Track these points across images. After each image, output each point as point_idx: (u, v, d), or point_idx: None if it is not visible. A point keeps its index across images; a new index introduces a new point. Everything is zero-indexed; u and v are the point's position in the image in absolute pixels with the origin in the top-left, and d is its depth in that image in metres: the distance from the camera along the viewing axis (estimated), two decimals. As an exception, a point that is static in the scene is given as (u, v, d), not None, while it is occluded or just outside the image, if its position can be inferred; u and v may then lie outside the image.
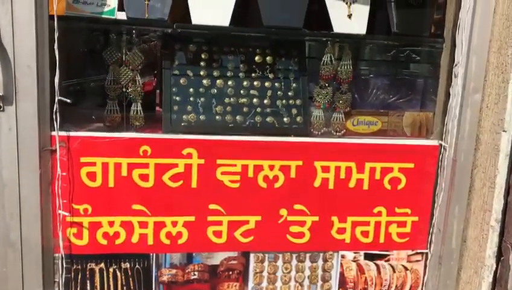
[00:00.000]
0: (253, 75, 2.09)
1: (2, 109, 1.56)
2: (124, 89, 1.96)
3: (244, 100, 2.07)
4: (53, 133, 1.64)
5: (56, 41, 1.55)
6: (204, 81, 2.05)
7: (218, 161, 1.84)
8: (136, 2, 1.90)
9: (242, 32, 1.99)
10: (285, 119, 2.09)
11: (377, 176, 1.94)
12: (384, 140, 1.93)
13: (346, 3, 2.03)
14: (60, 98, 1.58)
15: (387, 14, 2.08)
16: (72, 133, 1.68)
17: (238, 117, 2.05)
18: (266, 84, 2.10)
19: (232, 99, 2.06)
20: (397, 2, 2.04)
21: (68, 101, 1.60)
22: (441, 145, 1.94)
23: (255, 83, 2.09)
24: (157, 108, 2.17)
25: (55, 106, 1.59)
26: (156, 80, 2.36)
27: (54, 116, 1.61)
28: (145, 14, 1.88)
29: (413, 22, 2.04)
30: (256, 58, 2.09)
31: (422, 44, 2.13)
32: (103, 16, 1.83)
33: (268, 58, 2.11)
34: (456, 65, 1.82)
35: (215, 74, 2.06)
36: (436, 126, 1.96)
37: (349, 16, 2.01)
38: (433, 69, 2.30)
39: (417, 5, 2.03)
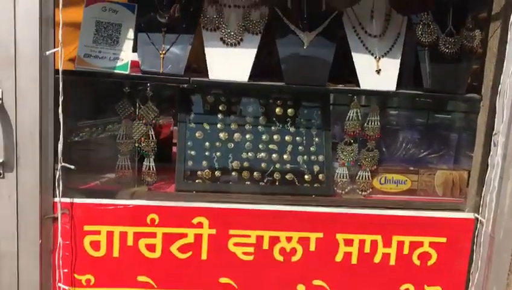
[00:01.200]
0: (272, 128, 1.97)
1: (2, 176, 1.47)
2: (136, 144, 1.86)
3: (262, 155, 1.95)
4: (55, 199, 1.54)
5: (60, 106, 1.45)
6: (221, 135, 1.94)
7: (231, 231, 1.71)
8: (151, 56, 1.80)
9: (262, 87, 1.86)
10: (306, 176, 1.95)
11: (405, 250, 1.77)
12: (414, 212, 1.75)
13: (375, 57, 1.87)
14: (63, 164, 1.49)
15: (419, 66, 1.91)
16: (76, 200, 1.59)
17: (255, 173, 1.92)
18: (287, 138, 1.97)
19: (249, 154, 1.94)
20: (430, 55, 1.87)
21: (72, 167, 1.51)
22: (477, 219, 1.76)
23: (275, 136, 1.96)
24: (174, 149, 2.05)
25: (58, 173, 1.50)
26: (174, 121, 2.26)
27: (57, 183, 1.51)
28: (161, 68, 1.78)
29: (447, 78, 1.88)
30: (277, 110, 1.97)
31: (457, 100, 1.95)
32: (116, 70, 1.73)
33: (289, 110, 1.98)
34: (495, 134, 1.63)
35: (233, 126, 1.94)
36: (471, 197, 1.78)
37: (378, 72, 1.86)
38: (469, 123, 2.12)
39: (452, 59, 1.86)
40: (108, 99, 2.01)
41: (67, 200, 1.57)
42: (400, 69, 1.89)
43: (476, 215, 1.76)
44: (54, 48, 1.45)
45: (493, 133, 1.65)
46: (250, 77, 1.80)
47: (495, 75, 1.77)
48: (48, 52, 1.43)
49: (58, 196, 1.53)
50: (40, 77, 1.48)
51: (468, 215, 1.78)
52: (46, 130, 1.50)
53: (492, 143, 1.68)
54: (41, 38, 1.46)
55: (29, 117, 1.49)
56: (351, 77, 1.91)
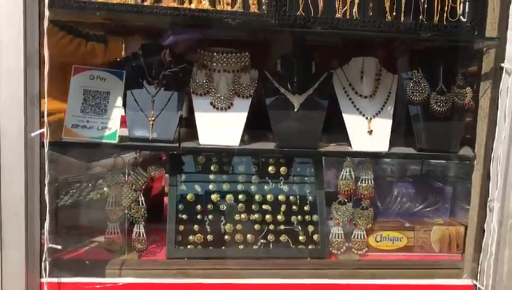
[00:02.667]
0: (265, 187, 1.94)
1: (-14, 259, 1.43)
2: (125, 211, 1.82)
3: (255, 216, 1.91)
4: (42, 280, 1.50)
5: (47, 186, 1.42)
6: (213, 196, 1.91)
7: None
8: (140, 122, 1.78)
9: (253, 152, 1.84)
10: (300, 237, 1.92)
11: (404, 319, 1.73)
12: (411, 281, 1.71)
13: (366, 118, 1.86)
14: (50, 245, 1.45)
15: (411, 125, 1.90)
16: (64, 279, 1.54)
17: (248, 236, 1.89)
18: (280, 197, 1.94)
19: (242, 215, 1.91)
20: (422, 114, 1.85)
21: (58, 247, 1.47)
22: (475, 286, 1.72)
23: (268, 196, 1.93)
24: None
25: (45, 255, 1.46)
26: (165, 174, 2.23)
27: (43, 264, 1.47)
28: (150, 135, 1.75)
29: (440, 137, 1.86)
30: (270, 168, 1.94)
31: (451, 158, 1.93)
32: (104, 140, 1.71)
33: (282, 168, 1.96)
34: (491, 200, 1.61)
35: (225, 187, 1.91)
36: (468, 263, 1.75)
37: (370, 132, 1.84)
38: (463, 175, 2.11)
39: (444, 117, 1.84)
40: (98, 158, 1.99)
41: (55, 280, 1.52)
42: (391, 127, 1.87)
43: (474, 282, 1.72)
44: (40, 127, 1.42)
45: (488, 200, 1.63)
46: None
47: (488, 136, 1.75)
48: (33, 134, 1.40)
49: (45, 276, 1.48)
50: (26, 156, 1.45)
51: (466, 281, 1.75)
52: (31, 210, 1.46)
53: (487, 208, 1.65)
54: (26, 117, 1.43)
55: (13, 197, 1.45)
56: (342, 132, 1.89)
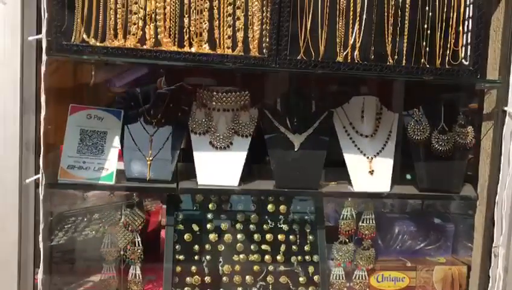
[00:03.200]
0: (265, 226, 1.90)
1: (-23, 310, 1.38)
2: (121, 252, 1.78)
3: (254, 257, 1.87)
4: (35, 329, 1.45)
5: (41, 233, 1.38)
6: (211, 236, 1.87)
7: None
8: (138, 162, 1.75)
9: (252, 193, 1.81)
10: (301, 279, 1.88)
11: None
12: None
13: (367, 157, 1.83)
14: (43, 294, 1.40)
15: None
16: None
17: (247, 278, 1.84)
18: (280, 237, 1.90)
19: (241, 256, 1.86)
20: (424, 153, 1.83)
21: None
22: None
23: (267, 236, 1.89)
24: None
25: (38, 302, 1.41)
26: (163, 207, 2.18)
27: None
28: (147, 175, 1.72)
29: (442, 177, 1.83)
30: (269, 206, 1.91)
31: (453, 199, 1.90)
32: (101, 181, 1.67)
33: (282, 206, 1.92)
34: (495, 246, 1.58)
35: (223, 226, 1.87)
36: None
37: (371, 172, 1.81)
38: (465, 215, 2.08)
39: (446, 157, 1.82)
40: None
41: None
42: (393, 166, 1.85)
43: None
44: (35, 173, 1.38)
45: (493, 245, 1.60)
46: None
47: (490, 177, 1.72)
48: (27, 181, 1.37)
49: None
50: (20, 203, 1.41)
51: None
52: (25, 259, 1.42)
53: (492, 254, 1.62)
54: (21, 163, 1.39)
55: (7, 245, 1.41)
56: (343, 167, 1.86)
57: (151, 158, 1.75)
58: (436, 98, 1.87)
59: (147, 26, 1.48)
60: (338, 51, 1.56)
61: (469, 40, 1.58)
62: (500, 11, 1.73)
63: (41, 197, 1.35)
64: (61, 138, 1.67)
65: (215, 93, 1.79)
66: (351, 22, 1.56)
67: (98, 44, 1.45)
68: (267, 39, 1.52)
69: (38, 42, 1.37)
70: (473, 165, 1.91)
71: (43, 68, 1.34)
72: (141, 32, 1.48)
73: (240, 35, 1.53)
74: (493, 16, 1.75)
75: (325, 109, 1.84)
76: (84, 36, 1.47)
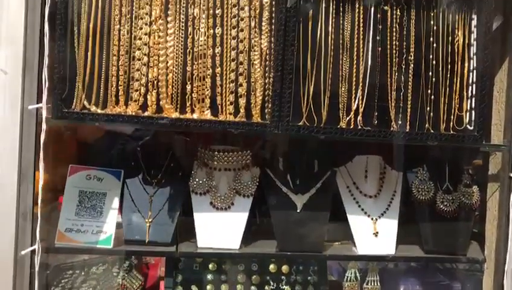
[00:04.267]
0: (266, 288, 1.84)
1: None
2: (119, 313, 1.72)
3: (256, 321, 1.81)
4: None
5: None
6: (212, 299, 1.81)
7: None
8: (137, 224, 1.71)
9: (254, 257, 1.77)
10: (304, 340, 1.81)
11: None
12: None
13: (372, 219, 1.79)
14: None
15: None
16: None
17: None
18: (282, 300, 1.84)
19: (242, 320, 1.80)
20: (429, 214, 1.79)
21: None
22: None
23: (270, 298, 1.83)
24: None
25: None
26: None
27: None
28: (146, 237, 1.68)
29: (447, 238, 1.79)
30: (271, 267, 1.85)
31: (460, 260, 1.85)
32: (98, 245, 1.63)
33: (284, 267, 1.87)
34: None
35: (224, 288, 1.81)
36: None
37: (375, 234, 1.77)
38: (472, 272, 2.02)
39: (451, 217, 1.78)
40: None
41: None
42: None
43: None
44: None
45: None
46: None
47: (498, 242, 1.68)
48: (23, 252, 1.33)
49: None
50: (15, 273, 1.37)
51: None
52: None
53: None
54: (17, 234, 1.36)
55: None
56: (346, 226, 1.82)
57: (150, 220, 1.71)
58: (440, 157, 1.85)
59: (149, 92, 1.46)
60: (341, 116, 1.54)
61: (473, 105, 1.57)
62: (503, 73, 1.72)
63: (36, 268, 1.31)
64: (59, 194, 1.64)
65: (216, 152, 1.76)
66: (353, 87, 1.55)
67: (99, 111, 1.44)
68: (270, 105, 1.50)
69: (38, 110, 1.35)
70: (478, 223, 1.87)
71: (42, 136, 1.32)
72: (143, 99, 1.47)
73: (242, 101, 1.51)
74: (496, 76, 1.74)
75: (328, 168, 1.81)
76: (85, 103, 1.45)
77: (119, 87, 1.47)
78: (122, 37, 1.47)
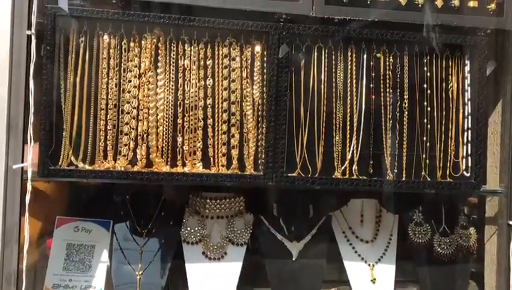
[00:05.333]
0: (261, 338, 1.77)
1: None
2: None
3: None
4: None
5: None
6: None
7: None
8: (127, 276, 1.64)
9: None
10: None
11: None
12: None
13: (368, 265, 1.75)
14: None
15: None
16: None
17: None
18: None
19: None
20: (426, 257, 1.75)
21: None
22: None
23: None
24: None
25: None
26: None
27: None
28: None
29: (446, 282, 1.76)
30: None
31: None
32: (86, 303, 1.57)
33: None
34: None
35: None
36: None
37: (373, 281, 1.73)
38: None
39: (449, 260, 1.75)
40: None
41: None
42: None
43: None
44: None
45: None
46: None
47: (498, 286, 1.65)
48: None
49: None
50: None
51: None
52: None
53: None
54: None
55: None
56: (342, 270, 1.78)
57: (141, 272, 1.65)
58: (435, 199, 1.82)
59: (139, 146, 1.42)
60: (336, 165, 1.51)
61: (469, 152, 1.55)
62: (497, 114, 1.71)
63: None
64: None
65: (208, 200, 1.71)
66: (348, 135, 1.52)
67: (87, 167, 1.39)
68: (263, 155, 1.46)
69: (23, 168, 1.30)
70: (476, 263, 1.84)
71: (27, 198, 1.27)
72: (132, 153, 1.43)
73: (234, 152, 1.48)
74: (490, 118, 1.73)
75: (323, 213, 1.77)
76: (73, 159, 1.41)
77: (108, 142, 1.42)
78: (110, 90, 1.43)
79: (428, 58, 1.57)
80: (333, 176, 1.51)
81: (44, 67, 1.37)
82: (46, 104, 1.38)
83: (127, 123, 1.44)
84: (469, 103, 1.58)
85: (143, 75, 1.45)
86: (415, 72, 1.55)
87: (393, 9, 1.53)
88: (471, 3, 1.58)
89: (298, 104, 1.51)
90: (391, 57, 1.55)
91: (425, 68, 1.57)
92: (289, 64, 1.47)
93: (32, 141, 1.30)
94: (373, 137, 1.54)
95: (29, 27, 1.30)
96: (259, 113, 1.50)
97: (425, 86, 1.56)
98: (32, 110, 1.30)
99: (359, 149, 1.52)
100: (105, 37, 1.44)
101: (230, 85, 1.49)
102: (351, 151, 1.52)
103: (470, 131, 1.56)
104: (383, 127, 1.54)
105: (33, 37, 1.31)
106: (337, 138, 1.52)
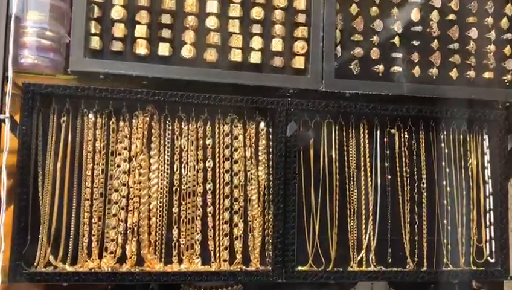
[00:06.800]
0: None
1: None
2: None
3: None
4: None
5: None
6: None
7: None
8: None
9: None
10: None
11: None
12: None
13: None
14: None
15: None
16: None
17: None
18: None
19: None
20: None
21: None
22: None
23: None
24: None
25: None
26: None
27: None
28: None
29: None
30: None
31: None
32: None
33: None
34: None
35: None
36: None
37: None
38: None
39: None
40: None
41: None
42: None
43: None
44: None
45: None
46: None
47: None
48: None
49: None
50: None
51: None
52: None
53: None
54: None
55: None
56: None
57: None
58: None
59: (128, 241, 1.23)
60: (351, 254, 1.35)
61: (492, 234, 1.41)
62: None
63: None
64: None
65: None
66: (363, 220, 1.37)
67: (67, 268, 1.19)
68: (271, 247, 1.29)
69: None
70: None
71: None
72: (120, 249, 1.23)
73: (238, 244, 1.30)
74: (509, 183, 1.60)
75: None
76: (51, 258, 1.20)
77: (92, 237, 1.23)
78: (96, 177, 1.25)
79: (444, 133, 1.45)
80: (349, 269, 1.34)
81: (19, 154, 1.18)
82: (20, 196, 1.18)
83: (114, 215, 1.25)
84: (489, 181, 1.45)
85: (134, 159, 1.27)
86: (432, 149, 1.43)
87: (407, 82, 1.42)
88: (486, 75, 1.48)
89: (308, 186, 1.35)
90: (406, 133, 1.42)
91: (442, 144, 1.44)
92: (297, 144, 1.33)
93: (3, 244, 1.09)
94: (390, 221, 1.39)
95: (1, 110, 1.12)
96: (265, 197, 1.33)
97: (443, 163, 1.43)
98: (3, 207, 1.10)
99: (376, 235, 1.37)
100: (91, 116, 1.26)
101: (233, 167, 1.33)
102: (367, 238, 1.36)
103: (492, 212, 1.43)
104: (401, 210, 1.40)
105: (7, 122, 1.12)
106: (352, 223, 1.37)
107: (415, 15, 1.44)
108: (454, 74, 1.46)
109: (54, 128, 1.25)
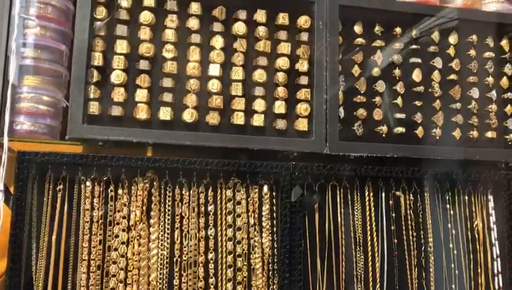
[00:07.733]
0: None
1: None
2: None
3: None
4: None
5: None
6: None
7: None
8: None
9: None
10: None
11: None
12: None
13: None
14: None
15: None
16: None
17: None
18: None
19: None
20: None
21: None
22: None
23: None
24: None
25: None
26: None
27: None
28: None
29: None
30: None
31: None
32: None
33: None
34: None
35: None
36: None
37: None
38: None
39: None
40: None
41: None
42: None
43: None
44: None
45: None
46: None
47: None
48: None
49: None
50: None
51: None
52: None
53: None
54: None
55: None
56: None
57: None
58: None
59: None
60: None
61: (501, 284, 1.38)
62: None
63: None
64: None
65: None
66: (370, 287, 1.32)
67: None
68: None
69: None
70: None
71: None
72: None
73: (241, 300, 1.24)
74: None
75: None
76: (43, 339, 1.12)
77: (87, 315, 1.15)
78: (93, 248, 1.19)
79: (449, 194, 1.42)
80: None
81: (13, 227, 1.12)
82: (13, 272, 1.11)
83: (112, 289, 1.19)
84: (496, 243, 1.42)
85: (133, 228, 1.22)
86: (438, 211, 1.40)
87: (411, 143, 1.40)
88: (489, 134, 1.47)
89: (314, 254, 1.31)
90: (411, 195, 1.40)
91: (448, 205, 1.42)
92: (303, 209, 1.29)
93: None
94: (398, 288, 1.34)
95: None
96: (270, 266, 1.28)
97: (449, 225, 1.40)
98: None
99: (383, 303, 1.32)
100: (88, 183, 1.21)
101: (236, 234, 1.28)
102: (375, 309, 1.31)
103: (500, 275, 1.40)
104: (408, 276, 1.35)
105: (1, 195, 1.07)
106: (359, 291, 1.32)
107: (416, 75, 1.44)
108: (457, 133, 1.45)
109: (49, 197, 1.19)
